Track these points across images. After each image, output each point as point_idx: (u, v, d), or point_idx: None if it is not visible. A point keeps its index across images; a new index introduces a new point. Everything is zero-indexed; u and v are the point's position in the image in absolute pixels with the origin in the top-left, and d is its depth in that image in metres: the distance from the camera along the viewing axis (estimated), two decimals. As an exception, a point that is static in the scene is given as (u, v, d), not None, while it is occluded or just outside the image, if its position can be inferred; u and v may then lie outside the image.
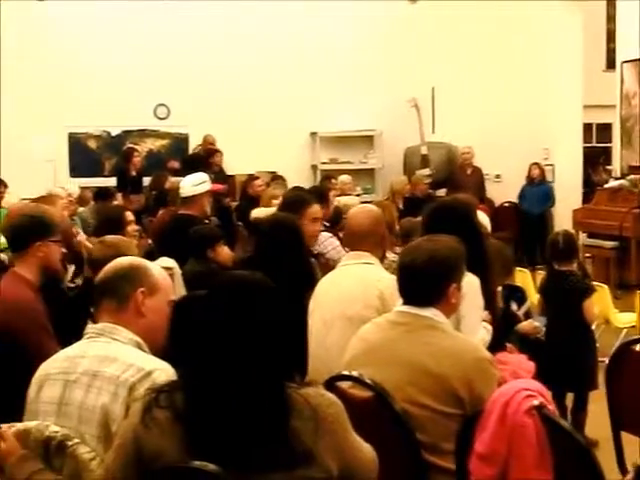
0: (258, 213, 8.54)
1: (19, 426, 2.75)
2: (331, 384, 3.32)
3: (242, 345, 2.36)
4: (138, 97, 13.64)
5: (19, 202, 11.33)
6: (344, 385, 3.38)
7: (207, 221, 7.43)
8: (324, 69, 14.23)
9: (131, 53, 13.66)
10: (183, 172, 11.62)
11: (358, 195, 12.35)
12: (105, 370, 2.77)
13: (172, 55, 13.75)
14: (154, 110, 14.17)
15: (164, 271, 3.12)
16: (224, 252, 6.26)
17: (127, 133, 14.19)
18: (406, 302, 3.44)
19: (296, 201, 5.94)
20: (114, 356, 2.81)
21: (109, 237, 4.97)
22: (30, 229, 4.44)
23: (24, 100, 13.26)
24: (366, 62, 14.23)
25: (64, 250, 4.84)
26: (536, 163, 14.24)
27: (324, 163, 14.37)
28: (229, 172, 13.45)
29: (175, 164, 13.41)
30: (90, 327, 2.97)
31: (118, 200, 11.68)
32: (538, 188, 14.17)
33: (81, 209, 11.02)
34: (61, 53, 13.48)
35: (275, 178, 12.31)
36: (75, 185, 11.80)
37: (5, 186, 11.03)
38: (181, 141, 14.35)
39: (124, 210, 6.68)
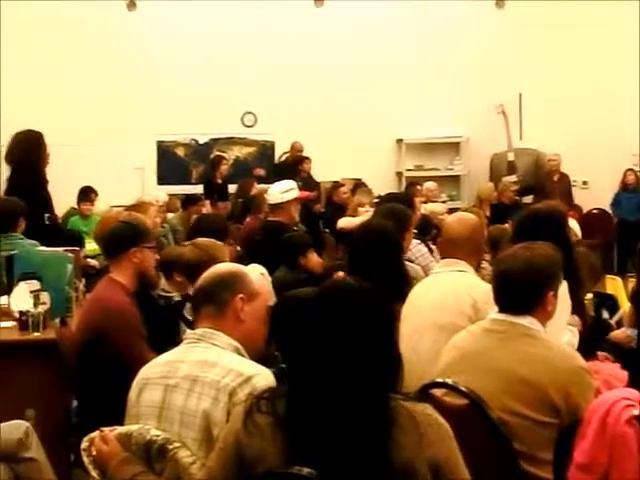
0: (344, 223, 8.55)
1: (121, 429, 2.80)
2: (425, 391, 3.31)
3: (349, 353, 2.36)
4: (225, 105, 13.76)
5: (113, 210, 11.61)
6: (438, 393, 3.36)
7: (295, 228, 7.46)
8: (410, 75, 14.18)
9: (219, 61, 13.79)
10: (271, 179, 11.74)
11: (444, 202, 12.27)
12: (205, 375, 2.80)
13: (259, 63, 13.83)
14: (241, 118, 14.28)
15: (262, 277, 3.14)
16: (314, 259, 6.29)
17: (214, 141, 14.31)
18: (502, 310, 3.41)
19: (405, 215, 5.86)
20: (214, 361, 2.83)
21: (201, 240, 5.03)
22: (126, 235, 4.53)
23: (114, 109, 13.48)
24: (453, 68, 14.14)
25: (157, 257, 4.90)
26: (631, 169, 13.94)
27: (409, 170, 14.31)
28: (317, 179, 13.49)
29: (261, 171, 13.52)
30: (190, 332, 3.01)
31: (206, 207, 11.82)
32: (634, 195, 13.89)
33: (170, 216, 11.20)
34: (150, 63, 13.68)
35: (358, 186, 12.31)
36: (163, 193, 11.96)
37: (95, 194, 11.24)
38: (267, 148, 14.42)
39: (226, 220, 6.76)
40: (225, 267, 3.15)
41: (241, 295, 2.99)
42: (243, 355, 2.92)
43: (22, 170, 7.51)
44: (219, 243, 5.02)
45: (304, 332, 2.44)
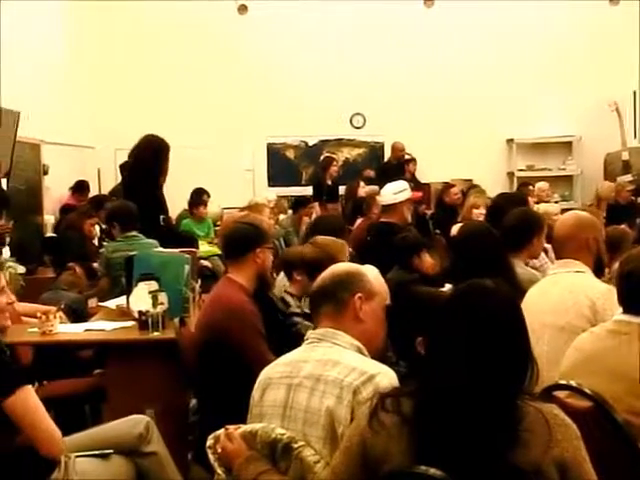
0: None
1: (246, 427, 2.82)
2: (548, 393, 3.26)
3: (482, 353, 2.35)
4: (335, 107, 13.84)
5: (224, 212, 11.77)
6: (561, 395, 3.30)
7: (407, 229, 7.43)
8: (521, 74, 14.04)
9: (328, 64, 13.88)
10: (378, 181, 11.73)
11: (556, 202, 12.07)
12: (328, 374, 2.81)
13: (369, 65, 13.88)
14: (350, 119, 14.33)
15: (380, 276, 3.14)
16: (427, 260, 6.25)
17: (324, 142, 14.41)
18: (626, 311, 3.33)
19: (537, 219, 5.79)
20: (336, 360, 2.84)
21: (320, 238, 5.06)
22: (249, 237, 4.58)
23: (225, 112, 13.68)
24: (564, 66, 13.95)
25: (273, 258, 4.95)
26: None
27: (521, 170, 14.16)
28: (424, 180, 13.45)
29: (371, 173, 13.53)
30: (311, 332, 3.02)
31: (315, 209, 11.88)
32: None
33: (281, 217, 11.29)
34: (261, 66, 13.84)
35: (471, 187, 12.19)
36: (273, 194, 12.07)
37: (208, 196, 11.39)
38: (377, 149, 14.44)
39: (343, 220, 6.80)
40: (343, 267, 3.16)
41: (359, 294, 3.00)
42: (364, 354, 2.93)
43: (140, 171, 7.65)
44: (338, 241, 5.05)
45: (436, 331, 2.43)
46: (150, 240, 6.91)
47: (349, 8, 13.86)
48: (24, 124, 9.61)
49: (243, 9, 13.83)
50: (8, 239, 8.01)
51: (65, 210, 11.00)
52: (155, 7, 13.59)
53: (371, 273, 3.12)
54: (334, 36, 13.96)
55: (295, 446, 2.69)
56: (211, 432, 3.03)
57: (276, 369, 3.00)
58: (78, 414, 5.68)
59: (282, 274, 5.96)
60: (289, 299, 5.17)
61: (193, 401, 5.07)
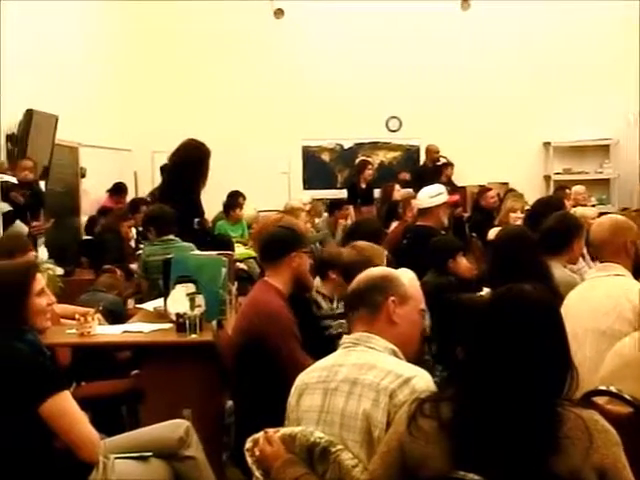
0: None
1: (285, 431, 2.83)
2: (587, 399, 3.24)
3: (522, 358, 2.34)
4: (370, 110, 13.84)
5: (259, 214, 11.80)
6: (600, 400, 3.28)
7: (443, 232, 7.41)
8: (558, 77, 13.96)
9: (364, 67, 13.88)
10: (413, 184, 11.71)
11: (593, 206, 11.97)
12: (364, 377, 2.81)
13: (404, 67, 13.87)
14: (386, 122, 14.33)
15: (414, 280, 3.13)
16: (464, 263, 6.22)
17: (359, 146, 14.40)
18: (671, 316, 3.31)
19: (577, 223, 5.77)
20: (372, 363, 2.84)
21: (360, 243, 5.06)
22: (286, 240, 4.60)
23: (261, 114, 13.72)
24: (601, 68, 13.83)
25: (311, 261, 4.96)
26: None
27: (557, 173, 14.09)
28: (460, 183, 13.40)
29: (406, 176, 13.51)
30: (346, 337, 3.02)
31: (350, 212, 11.88)
32: None
33: (316, 220, 11.30)
34: (297, 69, 13.87)
35: (508, 191, 12.13)
36: (308, 197, 12.08)
37: (244, 198, 11.43)
38: (412, 153, 14.42)
39: (381, 224, 6.81)
40: (377, 270, 3.16)
41: (393, 298, 3.00)
42: (399, 357, 2.93)
43: (177, 174, 7.69)
44: (377, 247, 5.04)
45: (476, 336, 2.43)
46: (186, 243, 6.94)
47: (386, 11, 13.85)
48: (62, 127, 9.69)
49: (279, 13, 13.85)
50: (44, 239, 8.08)
51: (102, 212, 11.08)
52: (192, 10, 13.66)
53: (406, 277, 3.12)
54: (371, 39, 13.95)
55: (333, 450, 2.69)
56: (247, 434, 3.04)
57: (312, 374, 3.00)
58: (115, 415, 5.73)
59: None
60: (320, 300, 5.17)
61: (229, 403, 5.09)
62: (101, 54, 12.49)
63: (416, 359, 3.03)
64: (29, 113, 8.73)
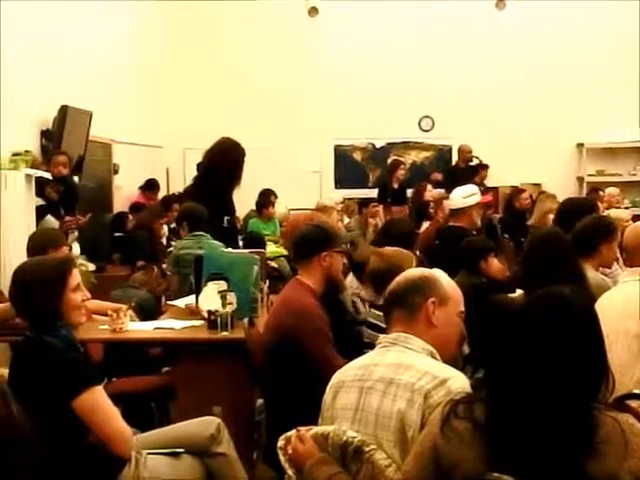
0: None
1: (317, 429, 2.82)
2: (621, 402, 3.21)
3: (557, 361, 2.33)
4: (403, 109, 13.82)
5: (290, 212, 11.81)
6: (633, 404, 3.25)
7: (475, 233, 7.38)
8: (591, 78, 13.86)
9: (397, 66, 13.85)
10: (445, 184, 11.67)
11: (627, 208, 11.88)
12: (400, 377, 2.80)
13: (437, 67, 13.83)
14: (419, 122, 14.29)
15: (453, 281, 3.12)
16: (495, 264, 6.19)
17: (391, 145, 14.38)
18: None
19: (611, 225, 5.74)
20: (408, 364, 2.83)
21: (386, 250, 5.05)
22: (317, 239, 4.59)
23: (293, 113, 13.73)
24: (636, 69, 13.72)
25: (345, 261, 4.95)
26: None
27: (591, 175, 13.99)
28: (492, 184, 13.33)
29: (438, 176, 13.47)
30: (383, 337, 3.02)
31: (378, 210, 11.87)
32: None
33: (346, 220, 11.29)
34: (330, 67, 13.86)
35: (541, 192, 12.06)
36: (339, 196, 12.08)
37: (275, 196, 11.44)
38: (445, 153, 14.38)
39: (413, 224, 6.81)
40: (416, 271, 3.15)
41: (432, 299, 2.99)
42: (437, 359, 2.91)
43: (213, 172, 7.71)
44: (405, 252, 5.02)
45: (510, 339, 2.41)
46: (216, 242, 6.98)
47: (419, 10, 13.83)
48: (96, 124, 9.74)
49: (314, 11, 13.84)
50: (76, 235, 8.12)
51: (135, 208, 11.13)
52: (225, 8, 13.69)
53: (445, 278, 3.10)
54: (404, 38, 13.92)
55: (366, 449, 2.69)
56: (278, 432, 3.05)
57: (348, 372, 3.00)
58: (145, 411, 5.75)
59: (350, 276, 5.97)
60: (359, 305, 5.16)
61: (259, 401, 5.10)
62: (135, 52, 12.54)
63: (453, 360, 3.01)
64: (64, 109, 8.78)
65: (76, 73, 9.67)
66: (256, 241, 8.63)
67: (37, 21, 8.57)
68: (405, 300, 3.01)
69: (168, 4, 13.43)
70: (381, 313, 4.69)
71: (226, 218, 7.86)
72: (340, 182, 14.37)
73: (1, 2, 7.58)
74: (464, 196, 7.21)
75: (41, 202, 7.43)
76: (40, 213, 7.32)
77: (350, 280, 5.83)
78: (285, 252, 10.00)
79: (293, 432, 2.87)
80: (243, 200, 9.78)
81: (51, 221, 7.47)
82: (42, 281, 3.63)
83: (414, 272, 3.14)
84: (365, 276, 5.15)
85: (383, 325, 4.54)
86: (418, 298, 3.00)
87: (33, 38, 8.44)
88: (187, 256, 6.84)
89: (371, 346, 4.61)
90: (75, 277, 3.78)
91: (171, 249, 7.43)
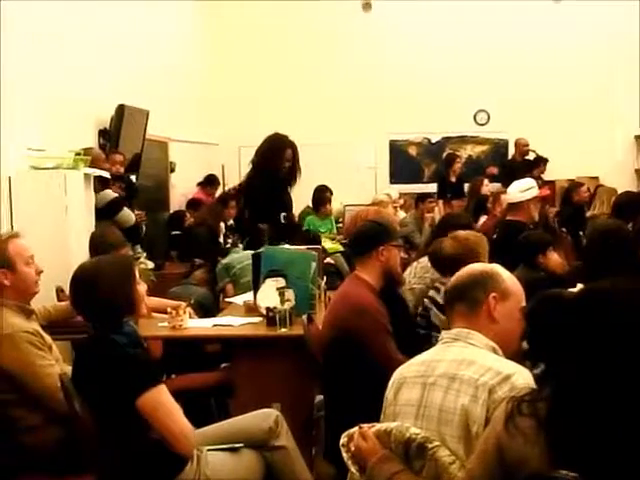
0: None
1: (380, 426, 2.81)
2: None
3: (615, 358, 2.28)
4: (458, 103, 13.74)
5: (345, 208, 11.81)
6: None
7: (532, 227, 7.32)
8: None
9: (452, 60, 13.77)
10: (502, 178, 11.59)
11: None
12: (463, 373, 2.78)
13: (493, 61, 13.73)
14: (474, 116, 14.21)
15: (514, 277, 3.09)
16: (555, 258, 6.13)
17: (447, 140, 14.31)
18: None
19: None
20: (471, 359, 2.81)
21: (461, 233, 5.02)
22: (374, 234, 4.59)
23: (348, 109, 13.73)
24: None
25: (403, 255, 4.94)
26: None
27: (649, 167, 13.83)
28: (549, 177, 13.21)
29: (494, 170, 13.38)
30: (445, 332, 3.00)
31: (439, 206, 11.82)
32: None
33: (402, 215, 11.26)
34: (384, 62, 13.83)
35: (599, 186, 11.94)
36: (395, 191, 12.05)
37: (331, 193, 11.44)
38: (501, 147, 14.28)
39: (470, 218, 6.81)
40: (478, 266, 3.12)
41: (494, 294, 2.96)
42: (499, 354, 2.89)
43: (261, 170, 7.79)
44: (479, 235, 5.00)
45: (570, 334, 2.37)
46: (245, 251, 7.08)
47: (474, 4, 13.74)
48: (152, 122, 9.82)
49: (367, 6, 13.82)
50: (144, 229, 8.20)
51: (193, 204, 11.18)
52: (279, 5, 13.71)
53: (506, 273, 3.08)
54: (459, 32, 13.84)
55: (430, 446, 2.67)
56: (337, 429, 3.04)
57: (410, 368, 2.99)
58: (204, 408, 5.78)
59: (408, 271, 5.94)
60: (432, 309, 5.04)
61: (318, 397, 5.10)
62: (190, 50, 12.64)
63: (515, 356, 2.99)
64: (121, 108, 8.86)
65: (133, 72, 9.76)
66: (311, 240, 8.65)
67: (96, 22, 8.66)
68: (466, 295, 2.99)
69: (223, 4, 13.50)
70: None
71: (283, 214, 7.92)
72: (395, 177, 14.34)
73: (63, 4, 7.67)
74: (522, 190, 7.16)
75: (114, 194, 7.50)
76: (114, 206, 7.39)
77: (407, 273, 5.80)
78: (341, 248, 10.00)
79: (355, 429, 2.86)
80: (299, 197, 9.82)
81: (129, 214, 7.56)
82: (114, 275, 3.66)
83: (475, 267, 3.12)
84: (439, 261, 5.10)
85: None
86: (479, 293, 2.97)
87: (91, 38, 8.53)
88: (235, 263, 6.96)
89: (439, 329, 4.63)
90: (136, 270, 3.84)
91: (228, 246, 7.47)
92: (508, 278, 3.06)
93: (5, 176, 6.54)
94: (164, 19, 11.25)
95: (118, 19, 9.39)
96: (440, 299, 4.77)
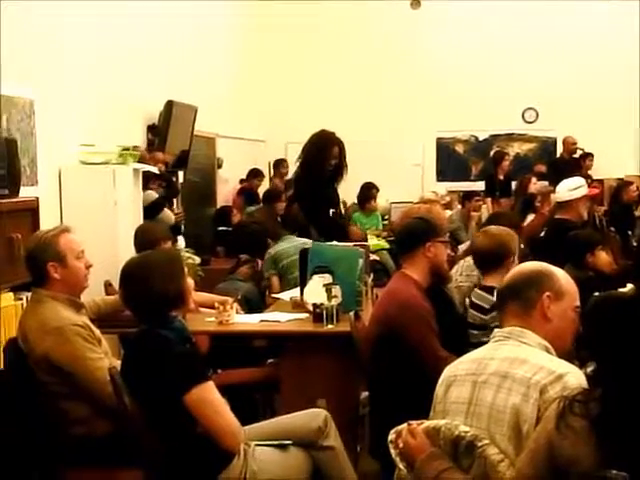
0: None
1: (429, 424, 2.80)
2: None
3: None
4: (506, 101, 13.68)
5: (392, 205, 11.80)
6: None
7: (581, 226, 7.26)
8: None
9: (499, 58, 13.73)
10: (549, 176, 11.50)
11: None
12: (515, 372, 2.76)
13: (541, 59, 13.65)
14: (522, 114, 14.13)
15: (569, 276, 3.06)
16: (603, 258, 6.08)
17: (494, 137, 14.25)
18: None
19: None
20: (523, 358, 2.79)
21: (493, 228, 5.01)
22: (420, 231, 4.58)
23: (395, 106, 13.72)
24: None
25: (449, 252, 4.92)
26: None
27: (701, 165, 13.62)
28: (598, 176, 13.08)
29: (542, 168, 13.29)
30: (497, 331, 2.98)
31: (487, 204, 11.76)
32: None
33: (448, 213, 11.22)
34: (431, 60, 13.81)
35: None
36: (442, 189, 12.03)
37: (377, 190, 11.44)
38: (549, 145, 14.19)
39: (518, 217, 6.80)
40: (532, 265, 3.10)
41: (548, 293, 2.93)
42: (552, 353, 2.86)
43: (309, 167, 7.82)
44: (510, 230, 4.97)
45: (625, 334, 2.35)
46: (303, 239, 7.09)
47: (521, 3, 13.66)
48: (200, 118, 9.87)
49: (416, 4, 13.80)
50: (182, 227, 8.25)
51: (246, 194, 11.21)
52: (327, 3, 13.72)
53: (560, 272, 3.05)
54: (507, 30, 13.77)
55: (479, 444, 2.65)
56: (383, 426, 3.04)
57: (461, 366, 2.97)
58: (250, 403, 5.80)
59: (454, 268, 5.92)
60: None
61: (364, 394, 5.09)
62: (239, 47, 12.68)
63: (568, 355, 2.96)
64: (169, 104, 8.91)
65: (182, 69, 9.82)
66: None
67: (145, 19, 8.72)
68: (520, 294, 2.96)
69: (270, 1, 13.56)
70: (485, 294, 4.69)
71: (331, 210, 7.94)
72: (442, 175, 14.31)
73: (113, 3, 7.73)
74: (571, 189, 7.10)
75: (156, 195, 7.55)
76: (157, 207, 7.45)
77: (454, 271, 5.79)
78: (387, 245, 10.00)
79: (404, 426, 2.85)
80: (346, 194, 9.82)
81: (169, 214, 7.61)
82: (165, 270, 3.69)
83: (529, 266, 3.09)
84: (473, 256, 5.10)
85: (486, 306, 4.56)
86: (533, 292, 2.95)
87: (141, 36, 8.60)
88: (283, 257, 6.97)
89: (474, 326, 4.62)
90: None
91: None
92: (563, 277, 3.03)
93: (56, 171, 6.61)
94: (213, 16, 11.30)
95: (167, 17, 9.44)
96: (478, 300, 4.77)
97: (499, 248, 4.78)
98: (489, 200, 11.83)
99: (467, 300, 5.01)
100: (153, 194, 7.43)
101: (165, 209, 7.54)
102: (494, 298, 3.98)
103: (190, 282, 3.85)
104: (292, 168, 9.84)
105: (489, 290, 4.63)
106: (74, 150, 6.83)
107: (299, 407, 4.13)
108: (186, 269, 3.85)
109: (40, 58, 6.34)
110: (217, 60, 11.38)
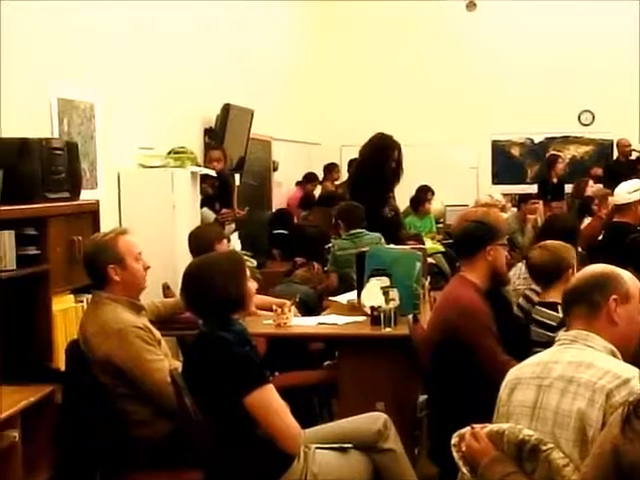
0: None
1: (492, 427, 2.78)
2: None
3: None
4: (562, 104, 13.58)
5: (447, 208, 11.76)
6: None
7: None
8: None
9: (555, 59, 13.64)
10: (606, 179, 11.39)
11: None
12: (581, 376, 2.73)
13: (597, 60, 13.53)
14: (578, 116, 14.01)
15: (636, 279, 3.03)
16: (664, 261, 5.99)
17: (550, 140, 14.15)
18: None
19: None
20: (589, 362, 2.77)
21: (550, 243, 4.97)
22: (480, 234, 4.55)
23: (451, 109, 13.68)
24: None
25: (507, 254, 4.89)
26: None
27: None
28: (655, 179, 12.91)
29: (598, 171, 13.17)
30: (562, 334, 2.96)
31: (539, 207, 11.66)
32: None
33: (504, 215, 11.13)
34: (487, 62, 13.75)
35: None
36: (497, 192, 11.95)
37: (432, 193, 11.41)
38: (605, 147, 14.05)
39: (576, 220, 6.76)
40: (598, 268, 3.06)
41: (614, 297, 2.90)
42: (618, 358, 2.84)
43: (368, 170, 7.82)
44: (566, 245, 4.93)
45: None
46: (373, 234, 7.06)
47: (577, 3, 13.55)
48: (256, 121, 9.91)
49: (472, 6, 13.75)
50: (233, 227, 8.25)
51: (305, 202, 11.23)
52: (383, 5, 13.73)
53: (627, 275, 3.02)
54: (563, 31, 13.67)
55: (544, 448, 2.63)
56: (442, 429, 3.02)
57: (526, 369, 2.95)
58: (308, 406, 5.81)
59: (512, 271, 5.89)
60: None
61: (421, 397, 5.08)
62: (294, 51, 12.73)
63: (634, 359, 2.93)
64: (226, 107, 8.96)
65: (239, 72, 9.87)
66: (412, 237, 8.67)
67: (204, 23, 8.79)
68: (586, 297, 2.93)
69: (329, 4, 13.58)
70: (549, 311, 4.64)
71: (387, 209, 7.95)
72: (497, 178, 14.25)
73: (174, 3, 7.81)
74: (629, 191, 7.04)
75: (208, 216, 7.60)
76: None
77: (512, 273, 5.75)
78: (442, 248, 9.95)
79: (467, 429, 2.83)
80: (401, 197, 9.79)
81: (208, 213, 7.64)
82: (228, 272, 3.71)
83: (595, 269, 3.06)
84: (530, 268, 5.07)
85: (553, 323, 4.51)
86: (600, 296, 2.92)
87: (199, 39, 8.66)
88: (344, 256, 6.97)
89: (540, 344, 4.57)
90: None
91: (329, 245, 7.49)
92: (630, 280, 3.00)
93: (115, 174, 6.68)
94: (268, 20, 11.35)
95: (225, 20, 9.51)
96: (541, 317, 4.72)
97: (558, 263, 4.74)
98: (541, 203, 11.73)
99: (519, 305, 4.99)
100: (210, 214, 7.51)
101: (205, 209, 7.55)
102: (560, 314, 3.94)
103: (253, 285, 3.86)
104: (344, 170, 9.84)
105: (551, 306, 4.59)
106: (133, 153, 6.90)
107: (357, 410, 4.14)
108: (248, 272, 3.86)
109: (100, 62, 6.41)
110: (273, 63, 11.43)
